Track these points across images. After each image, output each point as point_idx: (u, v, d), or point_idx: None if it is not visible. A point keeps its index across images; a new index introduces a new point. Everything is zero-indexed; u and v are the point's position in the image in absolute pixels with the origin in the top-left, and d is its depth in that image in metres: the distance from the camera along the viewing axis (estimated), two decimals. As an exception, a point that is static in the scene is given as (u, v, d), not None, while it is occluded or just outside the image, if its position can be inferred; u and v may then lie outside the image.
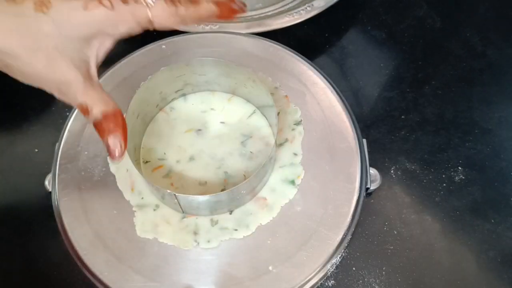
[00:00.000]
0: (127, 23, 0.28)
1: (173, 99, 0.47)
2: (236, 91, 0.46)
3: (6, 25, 0.27)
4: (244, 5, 0.34)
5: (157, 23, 0.29)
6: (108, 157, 0.44)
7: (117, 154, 0.30)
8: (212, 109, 0.46)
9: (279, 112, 0.46)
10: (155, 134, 0.45)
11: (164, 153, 0.44)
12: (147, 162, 0.44)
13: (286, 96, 0.47)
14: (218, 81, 0.46)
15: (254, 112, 0.46)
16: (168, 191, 0.37)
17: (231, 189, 0.37)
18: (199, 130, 0.45)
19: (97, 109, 0.29)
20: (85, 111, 0.30)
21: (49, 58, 0.27)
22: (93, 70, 0.30)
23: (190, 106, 0.47)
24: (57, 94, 0.29)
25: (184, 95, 0.47)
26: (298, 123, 0.45)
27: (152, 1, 0.28)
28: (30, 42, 0.27)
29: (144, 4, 0.28)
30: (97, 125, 0.30)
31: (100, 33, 0.28)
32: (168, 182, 0.43)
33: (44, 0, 0.27)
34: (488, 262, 0.46)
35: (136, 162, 0.43)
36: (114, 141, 0.30)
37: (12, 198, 0.50)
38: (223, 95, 0.47)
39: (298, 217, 0.41)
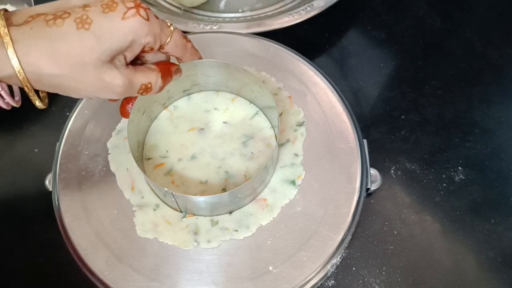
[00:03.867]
0: (153, 35, 0.32)
1: (178, 98, 0.47)
2: (241, 92, 0.46)
3: (52, 50, 0.28)
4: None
5: (170, 46, 0.34)
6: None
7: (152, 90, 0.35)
8: (215, 108, 0.46)
9: (281, 113, 0.46)
10: (158, 132, 0.45)
11: (167, 151, 0.44)
12: (149, 159, 0.44)
13: (289, 96, 0.47)
14: (226, 83, 0.46)
15: (257, 113, 0.46)
16: (166, 189, 0.37)
17: (231, 191, 0.37)
18: (202, 129, 0.45)
19: (155, 81, 0.34)
20: (148, 89, 0.34)
21: (96, 70, 0.30)
22: (129, 65, 0.33)
23: (193, 105, 0.47)
24: (115, 97, 0.32)
25: (189, 94, 0.47)
26: (300, 124, 0.45)
27: (173, 27, 0.34)
28: (76, 60, 0.29)
29: (170, 25, 0.34)
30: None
31: (133, 41, 0.31)
32: (169, 180, 0.43)
33: (84, 17, 0.29)
34: (488, 262, 0.46)
35: (139, 158, 0.43)
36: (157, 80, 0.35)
37: (12, 198, 0.50)
38: (227, 95, 0.47)
39: (298, 217, 0.41)
